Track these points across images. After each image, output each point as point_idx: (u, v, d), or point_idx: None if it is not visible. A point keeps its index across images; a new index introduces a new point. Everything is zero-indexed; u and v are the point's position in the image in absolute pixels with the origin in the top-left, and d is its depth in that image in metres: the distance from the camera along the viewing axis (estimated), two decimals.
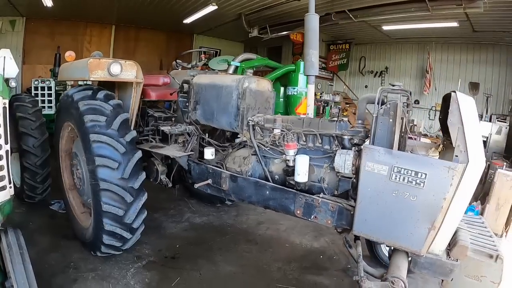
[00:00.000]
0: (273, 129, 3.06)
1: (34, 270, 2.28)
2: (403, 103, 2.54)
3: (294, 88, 7.33)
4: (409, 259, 2.45)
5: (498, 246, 2.44)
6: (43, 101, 7.34)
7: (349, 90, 12.24)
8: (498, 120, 8.81)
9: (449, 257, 2.33)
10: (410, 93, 2.63)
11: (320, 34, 11.75)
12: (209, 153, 3.48)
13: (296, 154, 2.85)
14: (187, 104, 3.72)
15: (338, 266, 3.98)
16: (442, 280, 2.41)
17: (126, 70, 3.66)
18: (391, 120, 2.34)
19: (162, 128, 3.81)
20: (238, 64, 6.63)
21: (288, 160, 2.87)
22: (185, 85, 3.71)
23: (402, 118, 2.50)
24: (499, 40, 8.90)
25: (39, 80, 7.61)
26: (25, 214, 4.56)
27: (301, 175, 2.74)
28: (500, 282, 2.30)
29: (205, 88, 3.55)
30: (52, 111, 7.26)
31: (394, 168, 2.26)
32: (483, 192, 6.46)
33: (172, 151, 3.76)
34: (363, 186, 2.41)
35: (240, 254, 4.08)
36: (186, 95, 3.72)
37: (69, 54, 4.17)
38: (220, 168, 3.43)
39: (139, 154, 3.40)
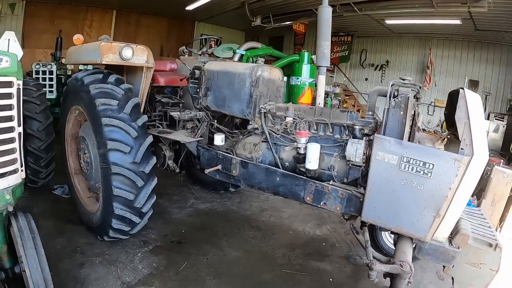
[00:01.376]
0: (285, 117, 3.12)
1: None
2: (413, 96, 2.62)
3: (297, 78, 7.34)
4: (414, 245, 2.58)
5: (496, 236, 2.54)
6: (44, 86, 7.26)
7: (349, 82, 12.28)
8: (496, 119, 8.95)
9: (451, 245, 2.45)
10: (420, 87, 2.74)
11: None
12: (219, 139, 3.52)
13: (307, 142, 2.92)
14: (197, 90, 3.75)
15: (340, 253, 4.07)
16: (444, 267, 2.52)
17: (137, 55, 3.66)
18: (402, 113, 2.45)
19: (171, 113, 3.83)
20: (244, 53, 6.63)
21: (299, 147, 2.95)
22: (197, 71, 3.73)
23: (414, 111, 2.60)
24: (501, 40, 8.99)
25: (40, 64, 7.52)
26: (28, 199, 4.51)
27: (312, 163, 2.82)
28: (498, 270, 2.40)
29: (217, 75, 3.58)
30: (53, 96, 7.19)
31: (404, 158, 2.38)
32: (479, 188, 6.76)
33: (181, 136, 3.79)
34: (373, 175, 2.51)
35: (244, 239, 4.16)
36: (197, 81, 3.74)
37: (77, 38, 4.11)
38: (230, 154, 3.47)
39: (150, 138, 3.43)
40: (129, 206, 3.34)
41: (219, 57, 5.67)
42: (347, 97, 11.76)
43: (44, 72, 7.33)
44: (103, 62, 3.48)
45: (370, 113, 2.87)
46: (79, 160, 4.10)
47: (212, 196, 5.31)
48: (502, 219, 5.56)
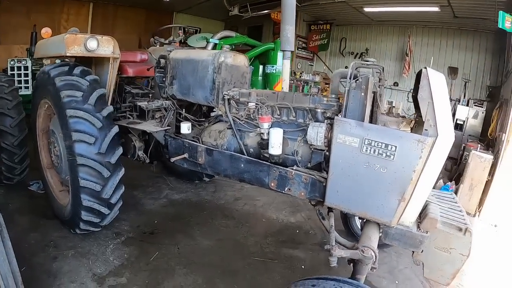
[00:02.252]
0: (247, 102, 3.07)
1: (14, 250, 2.28)
2: (377, 78, 2.61)
3: (272, 66, 7.29)
4: (381, 230, 2.55)
5: (467, 220, 2.50)
6: (19, 81, 7.14)
7: (329, 71, 12.28)
8: (475, 105, 9.01)
9: (419, 229, 2.41)
10: (383, 69, 2.71)
11: (301, 14, 11.91)
12: (185, 127, 3.51)
13: (270, 127, 2.90)
14: (163, 79, 3.71)
15: (314, 241, 4.12)
16: (413, 252, 2.49)
17: (103, 46, 3.61)
18: (362, 94, 2.38)
19: (139, 103, 3.81)
20: (217, 42, 6.50)
21: (263, 133, 2.92)
22: (162, 60, 3.69)
23: (374, 92, 2.55)
24: (479, 27, 9.04)
25: (15, 60, 7.37)
26: (3, 196, 4.52)
27: (275, 148, 2.81)
28: (469, 255, 2.37)
29: (181, 63, 3.54)
30: (29, 91, 7.06)
31: (365, 140, 2.32)
32: (458, 173, 6.83)
33: (149, 126, 3.77)
34: (334, 158, 2.47)
35: (217, 228, 4.18)
36: (163, 70, 3.71)
37: (46, 31, 4.02)
38: (196, 142, 3.47)
39: (115, 129, 3.40)
40: (97, 197, 3.34)
41: (192, 47, 5.63)
42: (327, 85, 11.74)
43: (19, 68, 7.21)
44: (68, 54, 3.44)
45: (333, 96, 2.82)
46: (50, 154, 4.07)
47: (187, 186, 5.31)
48: (480, 204, 5.65)
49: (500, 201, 5.42)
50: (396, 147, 2.24)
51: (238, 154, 3.13)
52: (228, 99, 3.23)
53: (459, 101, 9.45)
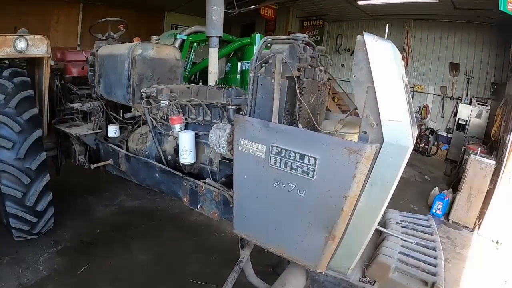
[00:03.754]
0: (160, 100, 2.66)
1: None
2: (312, 58, 1.97)
3: (248, 63, 6.87)
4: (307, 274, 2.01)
5: (440, 267, 1.81)
6: None
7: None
8: (478, 103, 8.44)
9: (364, 277, 1.84)
10: (314, 47, 2.07)
11: (294, 10, 11.51)
12: (111, 130, 3.26)
13: (181, 130, 2.53)
14: (93, 78, 3.45)
15: (267, 261, 3.65)
16: None
17: (35, 46, 3.42)
18: (272, 81, 1.78)
19: (70, 105, 3.58)
20: (185, 37, 6.19)
21: (176, 137, 2.58)
22: (90, 58, 3.44)
23: (297, 78, 1.86)
24: (482, 20, 8.42)
25: None
26: None
27: (184, 155, 2.46)
28: None
29: (105, 60, 3.28)
30: None
31: (273, 148, 1.71)
32: (458, 178, 5.99)
33: (81, 129, 3.54)
34: (238, 172, 1.93)
35: (161, 242, 3.88)
36: (92, 68, 3.45)
37: None
38: (121, 146, 3.19)
39: (38, 133, 3.21)
40: (20, 204, 3.18)
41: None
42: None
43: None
44: None
45: None
46: None
47: (145, 193, 5.01)
48: (480, 217, 4.96)
49: (503, 213, 4.67)
50: (315, 159, 1.59)
51: (153, 162, 2.81)
52: (147, 98, 2.82)
53: (461, 99, 8.89)
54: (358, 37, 1.57)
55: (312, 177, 1.62)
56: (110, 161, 3.21)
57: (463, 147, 7.03)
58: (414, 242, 2.00)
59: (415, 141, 2.21)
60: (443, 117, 9.41)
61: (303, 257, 1.79)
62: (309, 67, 1.92)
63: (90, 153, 3.77)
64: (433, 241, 2.07)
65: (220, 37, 3.41)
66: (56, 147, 4.03)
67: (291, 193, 1.71)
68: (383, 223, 2.30)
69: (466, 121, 8.40)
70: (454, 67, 8.96)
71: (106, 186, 5.09)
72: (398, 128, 1.47)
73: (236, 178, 1.95)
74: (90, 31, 3.85)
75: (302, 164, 1.63)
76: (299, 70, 1.87)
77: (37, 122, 3.26)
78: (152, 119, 2.83)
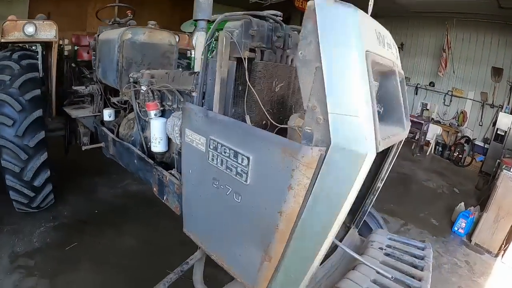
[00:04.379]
0: (140, 85, 2.63)
1: None
2: (279, 38, 1.76)
3: None
4: None
5: None
6: None
7: None
8: None
9: None
10: (282, 19, 1.79)
11: None
12: (106, 114, 3.34)
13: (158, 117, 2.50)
14: (94, 62, 3.55)
15: None
16: None
17: (43, 31, 3.63)
18: (218, 63, 1.61)
19: (74, 88, 3.72)
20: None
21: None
22: (92, 43, 3.55)
23: (250, 59, 1.65)
24: None
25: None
26: None
27: (154, 143, 2.46)
28: None
29: (102, 44, 3.35)
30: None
31: (211, 141, 1.53)
32: (487, 195, 5.30)
33: (83, 111, 3.68)
34: (184, 166, 1.82)
35: (153, 229, 3.94)
36: (94, 53, 3.55)
37: (11, 18, 4.14)
38: (112, 131, 3.26)
39: (38, 113, 3.36)
40: (18, 179, 3.38)
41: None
42: None
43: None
44: (2, 40, 3.49)
45: None
46: None
47: None
48: (507, 242, 4.40)
49: None
50: (249, 160, 1.35)
51: (133, 148, 2.84)
52: (134, 83, 2.80)
53: (502, 107, 8.14)
54: (309, 2, 1.20)
55: (246, 181, 1.39)
56: (103, 144, 3.30)
57: (498, 160, 6.45)
58: (392, 277, 1.56)
59: (399, 147, 1.99)
60: (481, 125, 8.75)
61: (241, 273, 1.61)
62: (276, 48, 1.74)
63: (93, 135, 3.91)
64: (420, 280, 1.62)
65: (208, 20, 3.31)
66: (64, 128, 4.21)
67: (228, 197, 1.51)
68: (364, 245, 2.04)
69: (506, 131, 7.68)
70: (497, 72, 8.23)
71: (115, 169, 5.25)
72: (352, 127, 1.10)
73: (183, 172, 1.85)
74: (97, 16, 3.95)
75: (236, 164, 1.40)
76: (253, 50, 1.68)
77: (38, 103, 3.41)
78: (137, 104, 2.84)
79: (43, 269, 3.08)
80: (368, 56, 1.16)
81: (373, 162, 1.10)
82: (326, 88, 1.13)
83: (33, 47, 4.06)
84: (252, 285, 1.54)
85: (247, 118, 1.63)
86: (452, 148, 8.72)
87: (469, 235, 4.80)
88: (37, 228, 3.64)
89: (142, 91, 2.58)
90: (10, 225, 3.62)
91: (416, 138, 8.96)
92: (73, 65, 4.46)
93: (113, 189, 4.73)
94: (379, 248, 1.94)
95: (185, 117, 1.75)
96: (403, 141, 1.94)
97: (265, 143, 1.32)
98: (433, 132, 9.00)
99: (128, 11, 4.01)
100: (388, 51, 1.50)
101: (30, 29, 3.50)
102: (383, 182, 2.16)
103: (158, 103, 2.50)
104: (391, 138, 1.35)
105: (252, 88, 1.62)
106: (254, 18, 1.66)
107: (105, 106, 3.53)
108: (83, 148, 3.40)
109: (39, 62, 4.08)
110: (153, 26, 3.22)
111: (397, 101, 1.54)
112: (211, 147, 1.54)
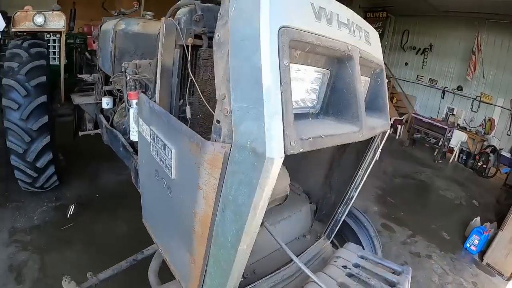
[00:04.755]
0: (127, 75, 2.60)
1: None
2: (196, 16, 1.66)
3: None
4: None
5: None
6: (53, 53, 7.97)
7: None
8: None
9: None
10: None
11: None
12: (104, 102, 3.44)
13: None
14: (98, 51, 3.69)
15: None
16: None
17: (52, 21, 3.84)
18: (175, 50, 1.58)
19: (79, 76, 3.88)
20: None
21: None
22: (95, 33, 3.69)
23: (192, 46, 1.60)
24: None
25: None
26: None
27: (132, 132, 2.45)
28: None
29: (102, 34, 3.48)
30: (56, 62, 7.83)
31: (151, 132, 1.50)
32: (506, 212, 4.82)
33: (87, 99, 3.84)
34: (139, 155, 1.80)
35: None
36: (98, 42, 3.69)
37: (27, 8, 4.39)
38: (108, 118, 3.38)
39: (42, 98, 3.55)
40: (22, 159, 3.60)
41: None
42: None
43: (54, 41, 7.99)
44: (13, 30, 3.73)
45: None
46: None
47: None
48: None
49: None
50: (171, 152, 1.30)
51: (119, 136, 2.93)
52: (125, 71, 2.76)
53: None
54: None
55: (171, 175, 1.33)
56: (99, 131, 3.43)
57: None
58: None
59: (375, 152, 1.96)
60: (509, 135, 8.26)
61: (178, 271, 1.57)
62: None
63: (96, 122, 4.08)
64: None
65: None
66: (73, 114, 4.42)
67: (164, 190, 1.46)
68: (328, 260, 1.90)
69: None
70: None
71: None
72: (254, 122, 0.96)
73: (138, 163, 1.88)
74: (103, 6, 4.09)
75: (165, 157, 1.36)
76: (199, 37, 1.63)
77: (43, 89, 3.61)
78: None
79: (37, 245, 3.28)
80: (285, 33, 0.98)
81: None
82: (230, 73, 1.01)
83: (47, 36, 4.25)
84: (185, 286, 1.52)
85: (188, 109, 1.61)
86: (477, 157, 8.26)
87: (482, 253, 4.43)
88: (39, 207, 3.89)
89: (126, 80, 2.66)
90: (15, 202, 3.89)
91: (439, 144, 8.57)
92: (87, 54, 4.65)
93: (118, 176, 4.90)
94: (342, 266, 1.71)
95: (139, 106, 1.77)
96: (379, 140, 1.84)
97: (180, 135, 1.27)
98: (458, 138, 8.57)
99: (134, 2, 4.11)
100: (341, 31, 1.26)
101: (39, 19, 3.71)
102: (357, 191, 2.06)
103: (138, 93, 2.56)
104: (324, 138, 1.13)
105: (192, 77, 1.54)
106: (201, 4, 1.64)
107: (105, 94, 3.67)
108: (80, 133, 3.55)
109: (57, 50, 4.30)
110: (149, 17, 3.29)
111: (353, 94, 1.32)
112: (152, 137, 1.51)
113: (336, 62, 1.32)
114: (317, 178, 2.37)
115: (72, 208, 3.91)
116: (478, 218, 4.94)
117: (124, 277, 2.43)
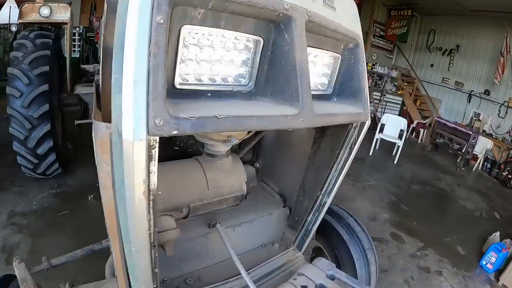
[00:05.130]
0: None
1: None
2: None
3: None
4: None
5: None
6: (73, 45, 8.29)
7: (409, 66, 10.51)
8: None
9: None
10: None
11: None
12: None
13: None
14: (99, 42, 3.77)
15: None
16: None
17: (58, 12, 3.97)
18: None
19: (82, 66, 3.98)
20: None
21: None
22: (96, 24, 3.78)
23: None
24: None
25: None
26: None
27: None
28: None
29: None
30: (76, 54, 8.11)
31: None
32: None
33: (88, 89, 3.91)
34: None
35: None
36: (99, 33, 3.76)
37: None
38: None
39: (44, 87, 3.66)
40: (23, 145, 3.73)
41: None
42: (405, 84, 10.11)
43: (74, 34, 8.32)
44: (20, 21, 3.87)
45: None
46: None
47: None
48: None
49: None
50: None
51: None
52: None
53: None
54: None
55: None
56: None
57: None
58: None
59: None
60: None
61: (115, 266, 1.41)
62: None
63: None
64: None
65: None
66: (79, 104, 4.53)
67: None
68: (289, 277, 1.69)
69: None
70: None
71: None
72: (116, 96, 0.84)
73: None
74: None
75: None
76: None
77: (46, 78, 3.71)
78: None
79: (31, 229, 3.39)
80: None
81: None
82: (114, 41, 0.84)
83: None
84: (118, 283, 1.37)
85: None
86: (502, 166, 7.79)
87: (498, 273, 4.05)
88: (40, 193, 4.02)
89: None
90: (18, 187, 4.05)
91: (462, 151, 8.15)
92: (97, 45, 4.77)
93: None
94: (301, 286, 1.50)
95: None
96: (355, 135, 1.59)
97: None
98: (483, 145, 8.10)
99: None
100: None
101: (45, 11, 3.83)
102: (331, 196, 1.82)
103: None
104: (221, 120, 0.91)
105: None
106: None
107: None
108: (76, 122, 3.63)
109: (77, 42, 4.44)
110: None
111: (292, 67, 1.07)
112: None
113: (274, 28, 1.09)
114: (292, 179, 2.12)
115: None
116: (498, 233, 4.52)
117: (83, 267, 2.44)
